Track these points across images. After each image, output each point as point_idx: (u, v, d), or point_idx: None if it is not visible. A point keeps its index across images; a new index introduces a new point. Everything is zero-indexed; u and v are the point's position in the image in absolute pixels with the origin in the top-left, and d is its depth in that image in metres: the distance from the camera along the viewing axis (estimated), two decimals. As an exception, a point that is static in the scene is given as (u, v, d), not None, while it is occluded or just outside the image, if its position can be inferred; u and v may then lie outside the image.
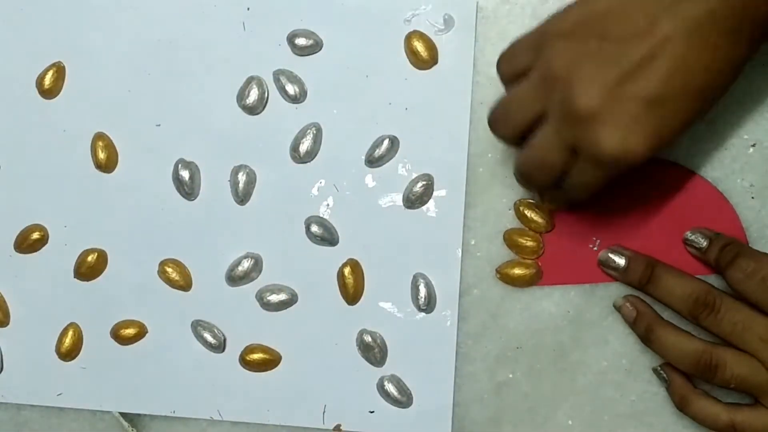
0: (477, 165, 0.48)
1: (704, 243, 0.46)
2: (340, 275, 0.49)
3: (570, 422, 0.48)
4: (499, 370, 0.49)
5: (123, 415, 0.50)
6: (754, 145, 0.47)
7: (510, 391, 0.49)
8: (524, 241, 0.48)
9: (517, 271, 0.48)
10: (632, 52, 0.38)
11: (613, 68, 0.38)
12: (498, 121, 0.43)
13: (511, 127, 0.42)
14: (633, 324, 0.47)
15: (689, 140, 0.47)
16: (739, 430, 0.43)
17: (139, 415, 0.50)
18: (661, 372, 0.47)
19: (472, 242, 0.48)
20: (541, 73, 0.40)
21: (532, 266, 0.48)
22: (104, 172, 0.50)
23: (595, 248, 0.48)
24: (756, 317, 0.42)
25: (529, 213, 0.48)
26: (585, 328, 0.48)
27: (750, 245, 0.46)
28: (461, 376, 0.49)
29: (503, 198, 0.48)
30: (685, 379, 0.46)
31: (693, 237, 0.46)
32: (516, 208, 0.48)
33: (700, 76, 0.38)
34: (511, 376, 0.49)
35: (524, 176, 0.43)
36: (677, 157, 0.47)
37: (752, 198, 0.47)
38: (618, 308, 0.47)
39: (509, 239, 0.48)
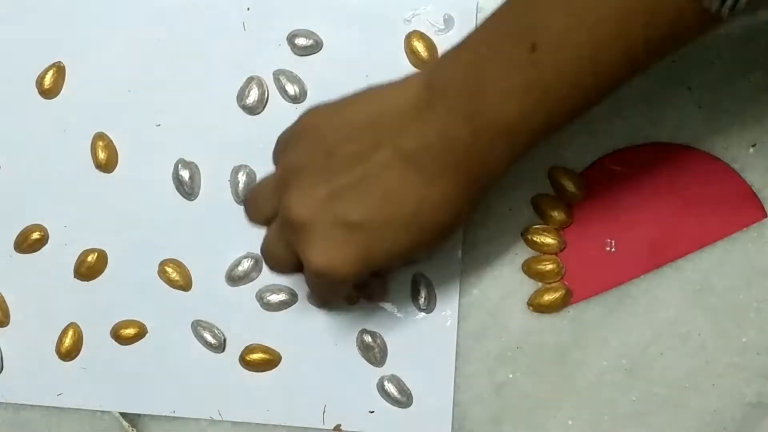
0: (477, 165, 0.48)
1: None
2: (340, 275, 0.49)
3: (570, 422, 0.48)
4: (499, 370, 0.49)
5: (123, 415, 0.50)
6: (754, 145, 0.47)
7: (510, 391, 0.49)
8: (544, 267, 0.47)
9: (547, 297, 0.47)
10: (348, 172, 0.38)
11: (328, 184, 0.38)
12: (248, 209, 0.45)
13: (257, 216, 0.44)
14: None
15: (689, 140, 0.47)
16: None
17: (139, 415, 0.50)
18: None
19: (473, 242, 0.48)
20: (281, 167, 0.41)
21: (560, 288, 0.48)
22: (104, 172, 0.50)
23: (613, 250, 0.47)
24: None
25: (539, 238, 0.47)
26: (585, 328, 0.48)
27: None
28: (461, 376, 0.49)
29: (503, 198, 0.48)
30: None
31: None
32: (525, 236, 0.48)
33: (410, 207, 0.37)
34: (511, 376, 0.49)
35: (264, 260, 0.44)
36: (677, 157, 0.47)
37: (752, 198, 0.47)
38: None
39: (529, 269, 0.48)
